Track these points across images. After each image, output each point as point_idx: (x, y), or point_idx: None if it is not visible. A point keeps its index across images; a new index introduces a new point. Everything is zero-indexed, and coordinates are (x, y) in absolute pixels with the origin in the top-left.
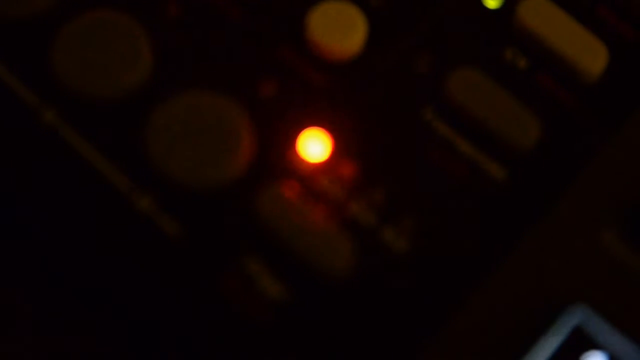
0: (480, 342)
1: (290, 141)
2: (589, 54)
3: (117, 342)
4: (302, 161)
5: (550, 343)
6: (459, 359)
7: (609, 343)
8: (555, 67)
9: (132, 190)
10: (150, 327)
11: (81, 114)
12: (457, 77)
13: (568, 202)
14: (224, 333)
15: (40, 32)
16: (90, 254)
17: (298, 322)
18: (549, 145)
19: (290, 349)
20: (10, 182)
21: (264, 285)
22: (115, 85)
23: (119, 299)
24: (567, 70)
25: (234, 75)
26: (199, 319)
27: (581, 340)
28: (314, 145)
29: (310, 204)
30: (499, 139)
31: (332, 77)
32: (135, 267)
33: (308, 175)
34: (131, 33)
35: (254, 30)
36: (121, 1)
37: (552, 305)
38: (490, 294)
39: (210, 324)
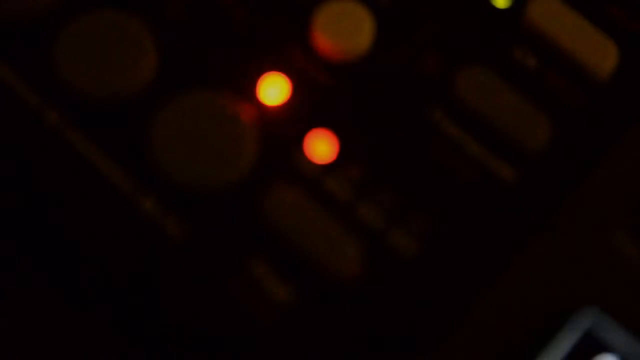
0: (490, 345)
1: (297, 142)
2: (599, 53)
3: (120, 343)
4: (309, 162)
5: (561, 346)
6: None
7: (621, 346)
8: (565, 66)
9: (136, 191)
10: (155, 330)
11: (85, 115)
12: (466, 76)
13: (578, 203)
14: (230, 335)
15: (43, 32)
16: (93, 256)
17: (304, 324)
18: (559, 145)
19: (297, 351)
20: (13, 184)
21: (270, 287)
22: (119, 85)
23: (123, 300)
24: (577, 69)
25: (239, 75)
26: (205, 320)
27: (592, 343)
28: (321, 146)
29: (318, 205)
30: (509, 140)
31: (339, 77)
32: (139, 269)
33: (315, 176)
34: (135, 33)
35: (260, 30)
36: (125, 1)
37: (563, 308)
38: (500, 297)
39: (216, 326)
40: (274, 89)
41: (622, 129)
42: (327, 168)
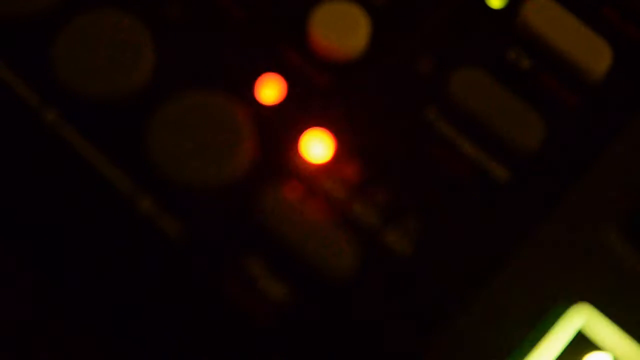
0: (482, 343)
1: (293, 142)
2: (593, 54)
3: (117, 343)
4: (305, 162)
5: (554, 344)
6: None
7: (612, 344)
8: (559, 67)
9: (134, 191)
10: (152, 329)
11: (83, 115)
12: (461, 77)
13: (571, 202)
14: (226, 334)
15: (42, 31)
16: (90, 255)
17: (300, 323)
18: (553, 146)
19: (292, 349)
20: (11, 183)
21: (266, 286)
22: (117, 85)
23: (119, 300)
24: (571, 70)
25: (237, 75)
26: (201, 319)
27: (584, 342)
28: (317, 146)
29: (313, 205)
30: (503, 140)
31: (335, 78)
32: (136, 269)
33: (311, 176)
34: (134, 33)
35: (257, 30)
36: (124, 1)
37: (555, 306)
38: (493, 295)
39: (212, 325)
40: (270, 89)
41: (615, 130)
42: (323, 168)
